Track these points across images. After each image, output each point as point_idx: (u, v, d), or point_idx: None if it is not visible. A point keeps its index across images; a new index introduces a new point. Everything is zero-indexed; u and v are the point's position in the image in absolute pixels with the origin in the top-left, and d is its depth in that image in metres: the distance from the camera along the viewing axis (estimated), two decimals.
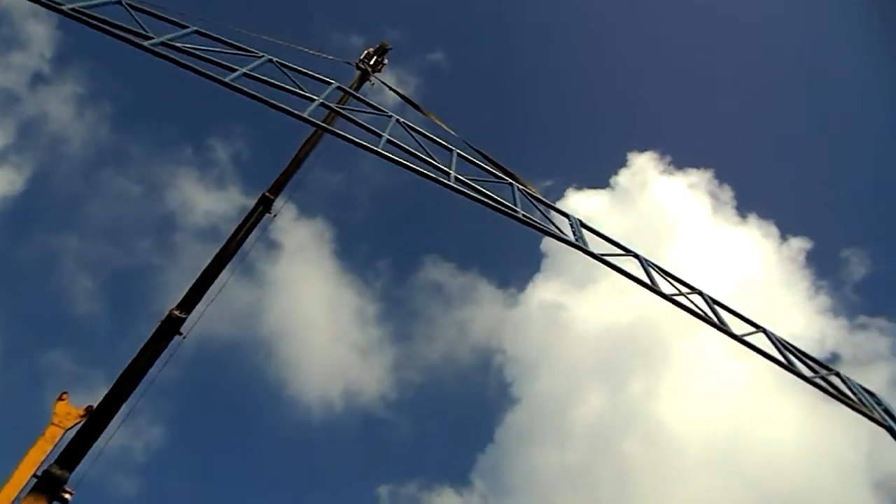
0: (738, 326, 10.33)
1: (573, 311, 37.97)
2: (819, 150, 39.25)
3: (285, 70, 9.77)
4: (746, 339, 9.65)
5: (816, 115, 38.80)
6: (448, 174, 9.42)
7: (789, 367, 9.41)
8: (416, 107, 15.34)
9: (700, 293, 10.16)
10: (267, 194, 13.11)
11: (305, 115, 8.99)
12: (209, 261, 11.95)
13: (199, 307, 11.61)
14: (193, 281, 11.65)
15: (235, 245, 12.34)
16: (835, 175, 39.38)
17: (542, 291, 40.33)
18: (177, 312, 11.13)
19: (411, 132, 10.11)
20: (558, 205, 11.17)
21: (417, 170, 9.07)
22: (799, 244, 36.80)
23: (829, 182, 39.71)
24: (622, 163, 43.08)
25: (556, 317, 38.38)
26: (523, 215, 9.46)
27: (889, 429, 9.37)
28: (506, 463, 37.68)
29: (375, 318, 45.64)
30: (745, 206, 40.39)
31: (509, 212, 9.36)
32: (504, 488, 37.30)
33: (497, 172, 10.86)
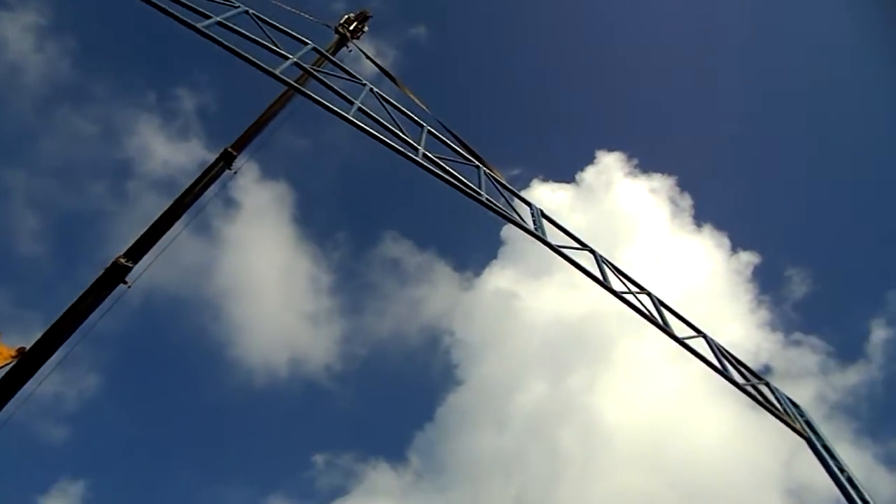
0: (680, 330, 10.67)
1: (525, 301, 38.52)
2: (779, 172, 40.60)
3: (262, 24, 9.51)
4: (687, 342, 9.98)
5: (783, 137, 40.08)
6: (416, 150, 9.36)
7: (723, 373, 9.79)
8: (391, 78, 15.15)
9: (648, 294, 10.43)
10: (229, 150, 12.78)
11: (277, 72, 8.78)
12: (162, 211, 11.61)
13: (148, 258, 11.30)
14: (144, 230, 11.31)
15: (192, 198, 12.01)
16: (790, 197, 40.82)
17: (498, 278, 40.74)
18: (123, 260, 10.80)
19: (384, 103, 9.99)
20: (523, 193, 11.26)
21: (386, 141, 8.98)
22: (748, 258, 38.12)
23: (784, 203, 41.15)
24: (590, 160, 43.62)
25: (508, 305, 38.87)
26: (486, 199, 9.49)
27: (808, 439, 9.87)
28: (443, 442, 38.19)
29: (329, 288, 45.29)
30: (703, 215, 41.52)
31: (473, 194, 9.39)
32: (439, 466, 37.83)
33: (465, 154, 10.85)
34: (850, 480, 9.23)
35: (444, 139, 10.79)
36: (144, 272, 11.55)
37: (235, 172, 13.03)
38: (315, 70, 9.69)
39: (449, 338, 40.76)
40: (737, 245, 38.70)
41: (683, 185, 40.41)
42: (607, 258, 10.88)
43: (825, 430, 10.60)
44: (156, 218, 11.52)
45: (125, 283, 10.88)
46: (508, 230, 37.10)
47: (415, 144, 9.43)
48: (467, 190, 9.37)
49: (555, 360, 37.42)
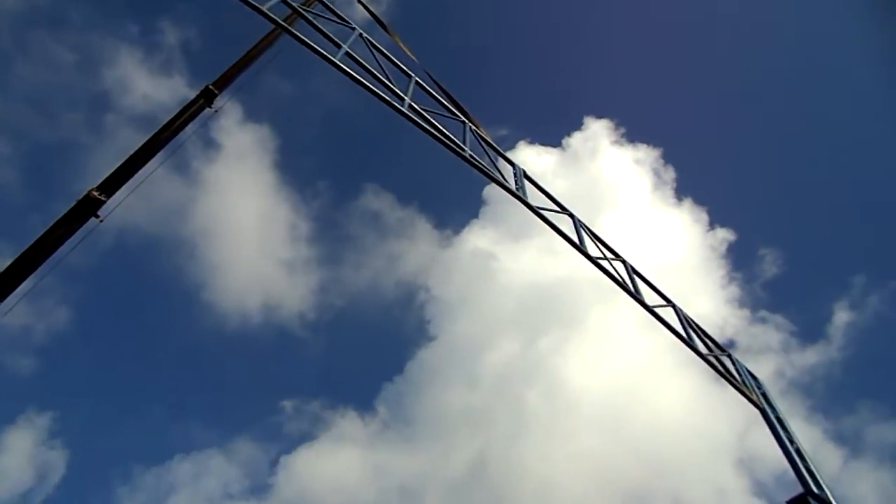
0: (651, 299, 10.87)
1: (502, 263, 38.80)
2: (764, 154, 40.91)
3: None
4: (657, 311, 10.17)
5: (772, 118, 40.26)
6: (402, 100, 9.21)
7: (688, 343, 10.04)
8: (382, 25, 14.75)
9: (623, 261, 10.56)
10: (210, 87, 12.42)
11: (265, 8, 8.50)
12: (138, 145, 11.33)
13: (122, 193, 11.07)
14: (119, 163, 11.05)
15: (169, 134, 11.71)
16: (771, 179, 41.30)
17: (477, 238, 40.87)
18: (96, 193, 10.57)
19: (373, 50, 9.76)
20: (508, 154, 11.21)
21: (372, 89, 8.81)
22: (724, 235, 38.73)
23: (765, 184, 41.63)
24: (578, 125, 43.44)
25: (486, 265, 39.12)
26: (470, 155, 9.43)
27: (763, 411, 10.24)
28: (411, 395, 38.82)
29: (307, 236, 45.04)
30: (684, 189, 41.92)
31: (457, 150, 9.31)
32: (406, 418, 38.55)
33: (452, 109, 10.70)
34: (798, 452, 9.64)
35: (432, 92, 10.62)
36: (118, 207, 11.35)
37: (216, 111, 12.70)
38: (304, 10, 9.40)
39: (424, 294, 41.06)
40: (714, 221, 39.24)
41: (668, 158, 40.60)
42: (586, 224, 10.96)
43: (780, 404, 11.01)
44: (131, 152, 11.25)
45: (97, 216, 10.67)
46: (490, 191, 37.04)
47: (401, 94, 9.27)
48: (451, 145, 9.28)
49: (527, 323, 37.99)
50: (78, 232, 10.72)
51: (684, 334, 10.20)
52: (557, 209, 10.55)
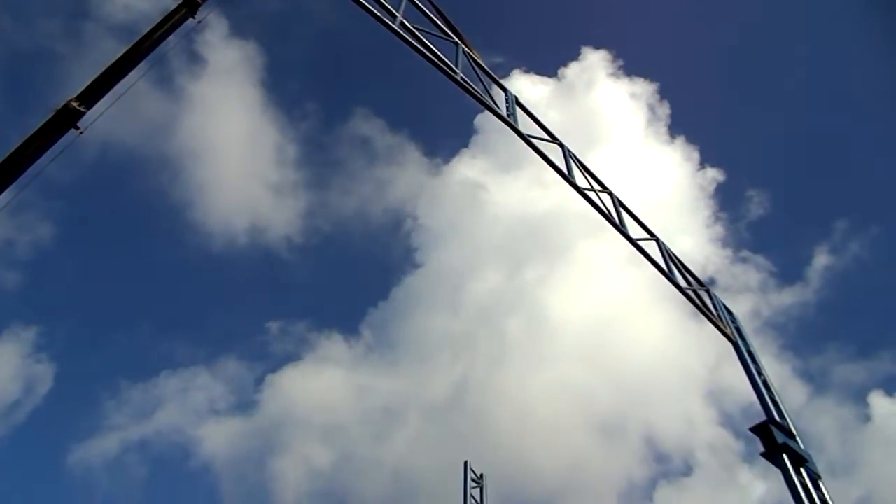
0: (636, 232, 10.95)
1: (491, 193, 38.73)
2: (762, 94, 40.38)
3: None
4: (640, 243, 10.27)
5: (773, 60, 39.47)
6: (394, 17, 8.89)
7: (668, 276, 10.21)
8: None
9: (610, 193, 10.57)
10: None
11: None
12: (118, 54, 10.89)
13: (102, 104, 10.74)
14: (98, 73, 10.65)
15: (150, 44, 11.24)
16: (766, 120, 40.95)
17: (466, 168, 40.57)
18: (75, 104, 10.21)
19: None
20: (501, 81, 10.94)
21: (363, 3, 8.48)
22: (713, 174, 38.76)
23: (759, 125, 41.33)
24: (575, 55, 42.40)
25: (474, 195, 39.04)
26: (461, 78, 9.21)
27: (735, 344, 10.56)
28: (396, 321, 39.49)
29: (294, 159, 44.37)
30: (678, 126, 41.56)
31: (448, 72, 9.08)
32: (390, 343, 39.37)
33: (445, 29, 10.36)
34: (765, 383, 10.02)
35: (425, 10, 10.24)
36: (100, 120, 11.04)
37: (199, 22, 12.16)
38: None
39: (412, 222, 41.09)
40: (706, 160, 39.20)
41: (664, 94, 40.03)
42: (576, 155, 10.87)
43: (753, 340, 11.35)
44: (110, 62, 10.83)
45: (77, 128, 10.37)
46: (482, 120, 36.45)
47: (393, 11, 8.94)
48: (442, 67, 9.04)
49: (513, 254, 38.35)
50: (57, 144, 10.47)
51: (665, 268, 10.36)
52: (548, 138, 10.43)
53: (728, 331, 10.56)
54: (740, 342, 10.57)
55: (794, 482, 7.97)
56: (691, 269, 11.66)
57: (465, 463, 13.00)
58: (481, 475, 13.21)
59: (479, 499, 12.85)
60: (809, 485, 8.27)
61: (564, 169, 9.94)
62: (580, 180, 10.29)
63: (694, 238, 36.43)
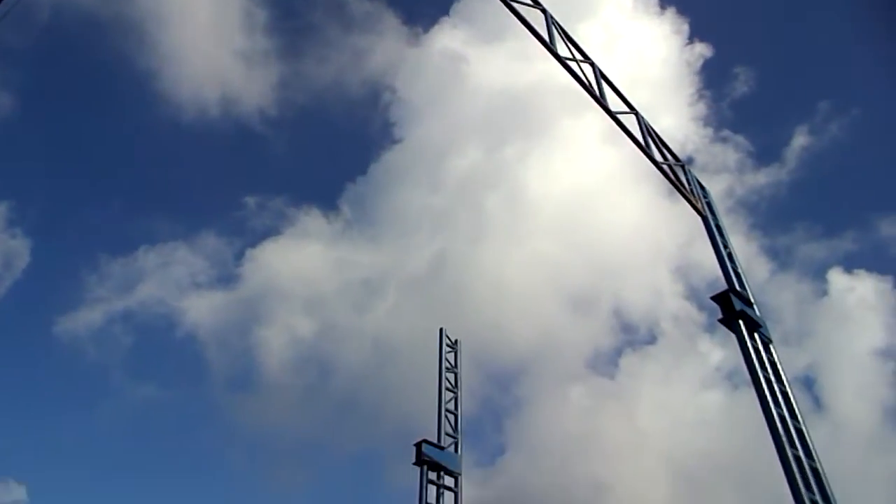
0: (616, 105, 10.77)
1: (473, 66, 37.33)
2: None
3: None
4: (619, 117, 10.16)
5: None
6: None
7: (645, 150, 10.21)
8: None
9: (592, 64, 10.27)
10: None
11: None
12: None
13: None
14: None
15: None
16: None
17: (447, 38, 38.76)
18: None
19: None
20: None
21: None
22: (701, 50, 37.61)
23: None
24: None
25: (455, 67, 37.65)
26: None
27: (705, 218, 10.82)
28: (374, 196, 39.52)
29: (265, 26, 41.87)
30: None
31: None
32: (368, 218, 39.65)
33: None
34: (729, 256, 10.42)
35: None
36: None
37: None
38: None
39: (390, 94, 39.81)
40: (694, 34, 37.82)
41: None
42: (559, 23, 10.41)
43: (724, 219, 11.61)
44: None
45: None
46: None
47: None
48: None
49: (493, 129, 37.79)
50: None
51: (643, 142, 10.34)
52: (530, 3, 9.92)
53: (699, 205, 10.77)
54: (710, 216, 10.83)
55: (747, 345, 8.54)
56: (669, 145, 11.66)
57: (441, 330, 13.64)
58: (456, 341, 13.91)
59: (453, 362, 13.62)
60: (761, 348, 8.89)
61: (546, 37, 9.56)
62: (562, 50, 9.94)
63: (675, 116, 36.01)
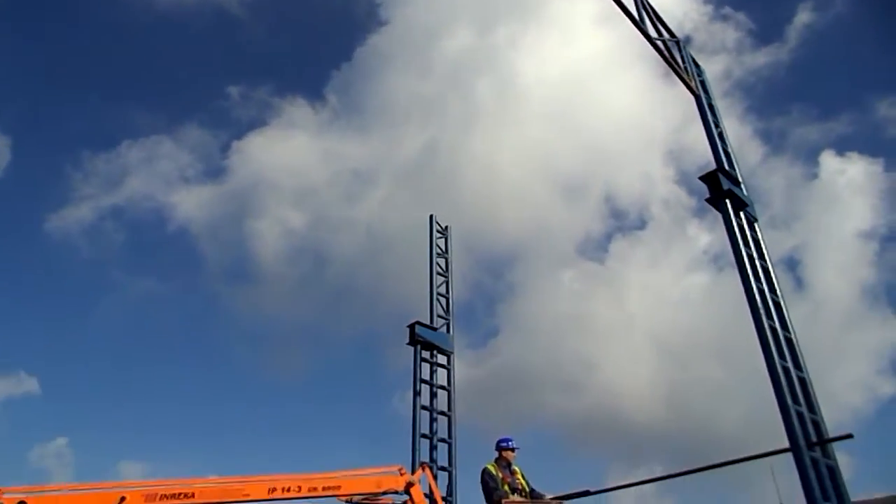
0: None
1: None
2: None
3: None
4: None
5: None
6: None
7: (638, 24, 9.77)
8: None
9: None
10: None
11: None
12: None
13: None
14: None
15: None
16: None
17: None
18: None
19: None
20: None
21: None
22: None
23: None
24: None
25: None
26: None
27: (698, 97, 10.57)
28: (361, 84, 38.26)
29: None
30: None
31: None
32: (356, 107, 38.63)
33: None
34: (720, 136, 10.30)
35: None
36: None
37: None
38: None
39: None
40: None
41: None
42: None
43: (720, 100, 11.31)
44: None
45: None
46: None
47: None
48: None
49: (485, 10, 35.96)
50: None
51: (637, 16, 9.87)
52: None
53: (692, 84, 10.48)
54: (703, 95, 10.58)
55: (732, 223, 8.66)
56: (666, 21, 11.16)
57: (431, 216, 13.69)
58: (446, 227, 14.02)
59: (444, 247, 13.81)
60: (746, 226, 9.03)
61: None
62: None
63: None
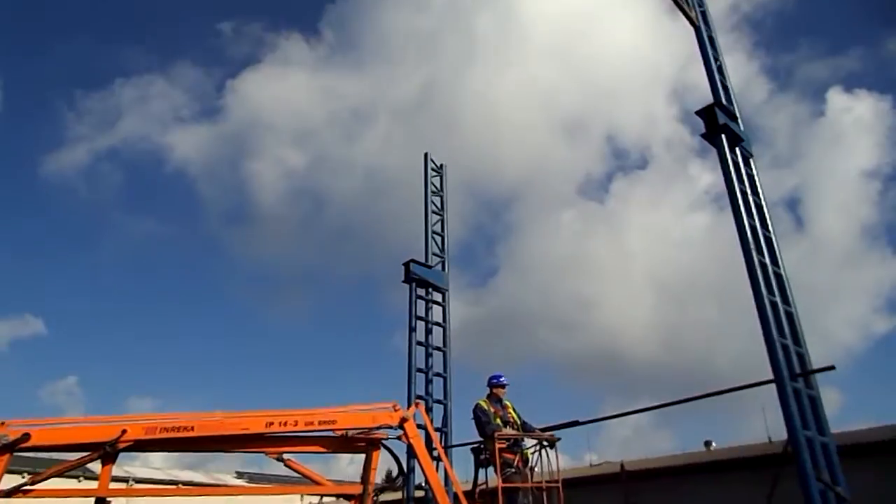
0: None
1: None
2: None
3: None
4: None
5: None
6: None
7: None
8: None
9: None
10: None
11: None
12: None
13: None
14: None
15: None
16: None
17: None
18: None
19: None
20: None
21: None
22: None
23: None
24: None
25: None
26: None
27: (697, 29, 10.26)
28: (357, 18, 37.10)
29: None
30: None
31: None
32: (353, 43, 37.60)
33: None
34: (720, 69, 10.07)
35: None
36: None
37: None
38: None
39: None
40: None
41: None
42: None
43: (726, 35, 10.96)
44: None
45: None
46: None
47: None
48: None
49: None
50: None
51: None
52: None
53: (692, 14, 10.16)
54: (703, 27, 10.28)
55: (727, 158, 8.59)
56: None
57: (426, 154, 13.54)
58: (441, 165, 13.90)
59: (439, 186, 13.74)
60: (741, 161, 8.96)
61: None
62: None
63: None
